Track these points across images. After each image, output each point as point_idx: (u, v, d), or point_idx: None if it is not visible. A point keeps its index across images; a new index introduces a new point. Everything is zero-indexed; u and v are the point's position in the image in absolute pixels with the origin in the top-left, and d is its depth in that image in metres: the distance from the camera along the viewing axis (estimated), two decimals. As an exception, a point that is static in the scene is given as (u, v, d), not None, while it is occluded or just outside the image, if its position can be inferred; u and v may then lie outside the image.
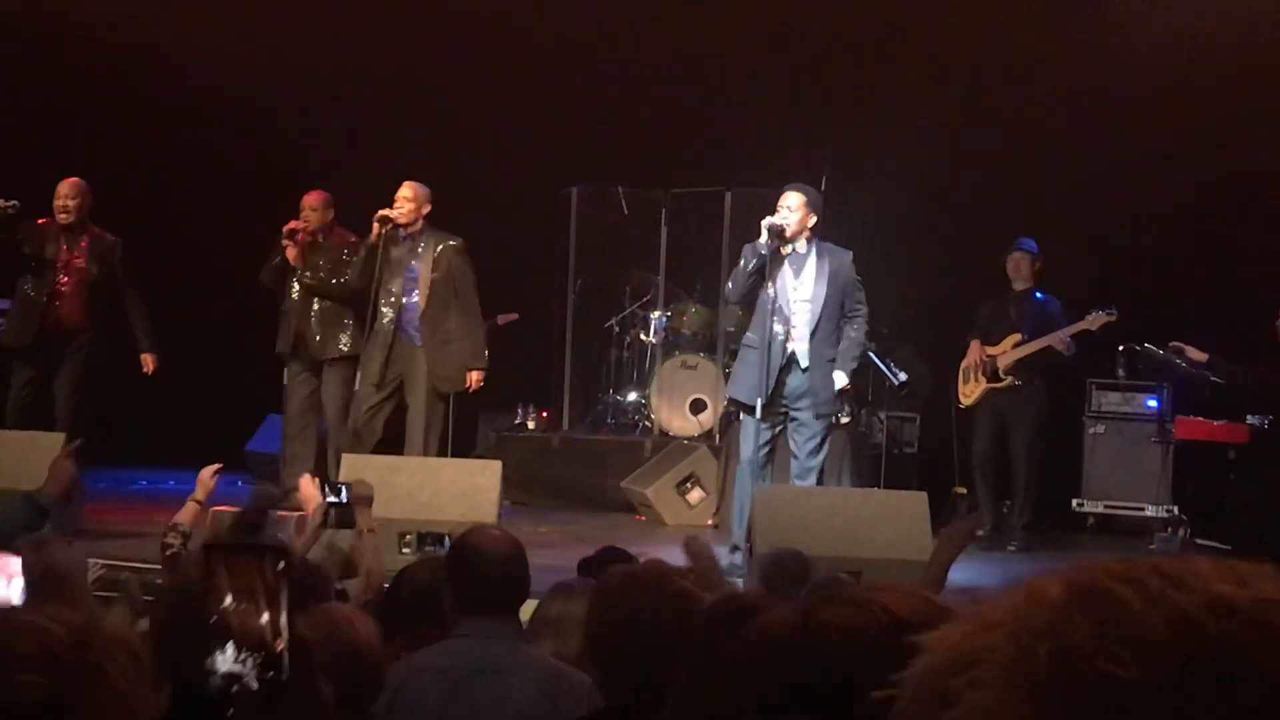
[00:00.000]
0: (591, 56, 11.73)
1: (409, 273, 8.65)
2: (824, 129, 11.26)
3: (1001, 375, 9.38)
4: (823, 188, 10.20)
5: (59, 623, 1.59)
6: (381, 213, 8.54)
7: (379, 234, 8.50)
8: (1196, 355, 8.28)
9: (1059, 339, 9.12)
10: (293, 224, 8.91)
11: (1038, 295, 9.46)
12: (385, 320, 8.65)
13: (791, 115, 11.40)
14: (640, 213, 11.58)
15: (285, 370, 9.27)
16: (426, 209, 8.70)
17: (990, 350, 9.46)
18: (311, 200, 9.03)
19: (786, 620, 1.54)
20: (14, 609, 2.63)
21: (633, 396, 11.43)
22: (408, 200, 8.63)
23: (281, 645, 1.63)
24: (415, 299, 8.65)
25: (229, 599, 1.63)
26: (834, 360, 7.58)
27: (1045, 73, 10.83)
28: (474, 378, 8.70)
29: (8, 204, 8.66)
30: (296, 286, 9.01)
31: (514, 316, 11.80)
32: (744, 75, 11.55)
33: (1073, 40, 10.66)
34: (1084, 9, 10.68)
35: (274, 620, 1.63)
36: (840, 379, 7.59)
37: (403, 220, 8.60)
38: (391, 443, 8.78)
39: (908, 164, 11.17)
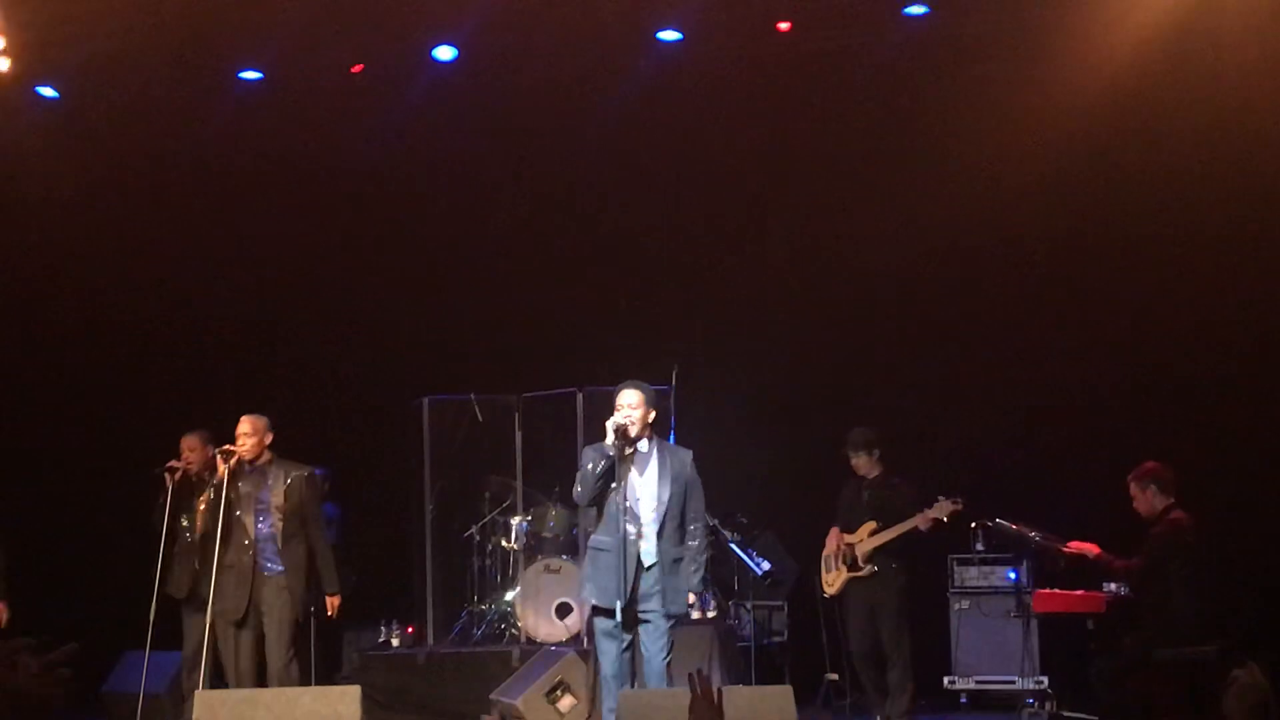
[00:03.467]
0: (435, 264, 11.83)
1: (259, 504, 8.58)
2: (672, 324, 11.43)
3: (861, 564, 9.42)
4: (673, 381, 10.37)
5: None
6: (225, 448, 8.52)
7: (224, 470, 8.46)
8: (1088, 550, 8.33)
9: (923, 519, 9.21)
10: (172, 463, 8.92)
11: (892, 481, 9.56)
12: (243, 556, 8.55)
13: (637, 313, 11.55)
14: (494, 418, 11.57)
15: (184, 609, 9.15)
16: (269, 439, 8.68)
17: (848, 538, 9.51)
18: (190, 441, 9.07)
19: None
20: None
21: (497, 605, 11.28)
22: (247, 436, 8.62)
23: None
24: (268, 529, 8.58)
25: None
26: (679, 559, 7.55)
27: (891, 254, 11.09)
28: (332, 603, 8.75)
29: None
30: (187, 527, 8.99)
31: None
32: (590, 277, 11.70)
33: (917, 221, 10.97)
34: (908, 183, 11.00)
35: None
36: (687, 598, 7.56)
37: (248, 455, 8.60)
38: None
39: (758, 351, 11.38)
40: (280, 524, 8.60)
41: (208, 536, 8.62)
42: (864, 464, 9.57)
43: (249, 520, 8.60)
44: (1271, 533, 10.09)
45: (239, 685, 8.33)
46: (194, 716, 7.15)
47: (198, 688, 8.71)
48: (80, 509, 11.08)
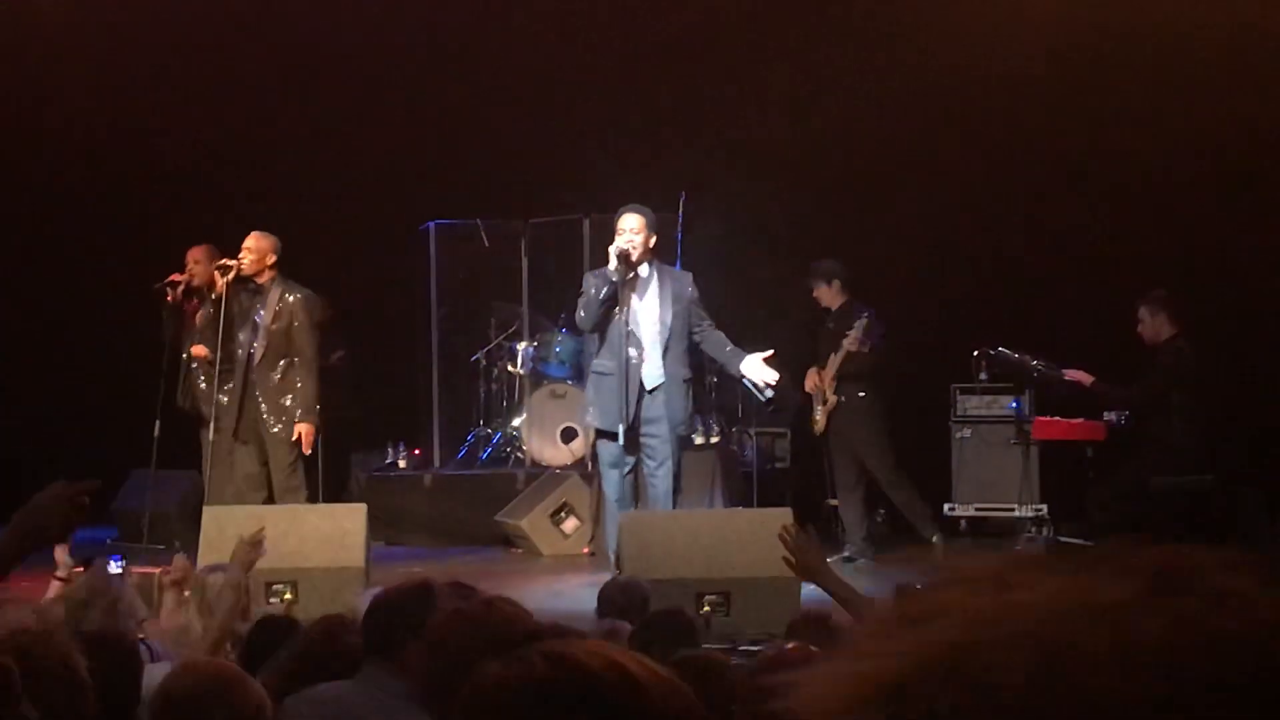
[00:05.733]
0: (442, 89, 11.72)
1: (254, 322, 8.56)
2: (678, 149, 11.35)
3: (828, 395, 9.44)
4: (680, 207, 10.33)
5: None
6: (222, 262, 8.44)
7: (222, 284, 8.40)
8: (1083, 379, 8.35)
9: (852, 340, 9.13)
10: (173, 276, 8.81)
11: (857, 310, 9.40)
12: (238, 371, 8.55)
13: (643, 138, 11.46)
14: (500, 244, 11.56)
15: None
16: (272, 259, 8.59)
17: (821, 373, 9.51)
18: (195, 254, 8.94)
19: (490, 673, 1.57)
20: None
21: (503, 429, 11.39)
22: (250, 250, 8.53)
23: None
24: (254, 348, 8.58)
25: None
26: (687, 380, 7.60)
27: (894, 88, 10.99)
28: (302, 431, 8.53)
29: None
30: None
31: (340, 354, 11.74)
32: (595, 100, 11.60)
33: (922, 59, 10.85)
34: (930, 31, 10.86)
35: None
36: (755, 363, 7.64)
37: (247, 270, 8.51)
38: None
39: (765, 177, 11.31)
40: (266, 343, 8.55)
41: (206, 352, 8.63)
42: (825, 294, 9.51)
43: (242, 336, 8.56)
44: (1266, 365, 10.14)
45: (239, 502, 8.31)
46: (201, 530, 7.29)
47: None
48: (85, 328, 11.09)
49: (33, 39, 11.10)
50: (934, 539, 9.29)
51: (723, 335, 7.71)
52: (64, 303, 11.41)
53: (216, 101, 11.62)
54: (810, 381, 9.55)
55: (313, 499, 10.06)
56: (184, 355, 8.97)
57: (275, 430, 8.52)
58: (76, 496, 3.08)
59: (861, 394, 9.38)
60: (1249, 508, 8.54)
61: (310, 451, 8.63)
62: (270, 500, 8.51)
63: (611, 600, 4.92)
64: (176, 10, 11.31)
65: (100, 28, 11.09)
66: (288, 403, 8.54)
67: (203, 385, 8.92)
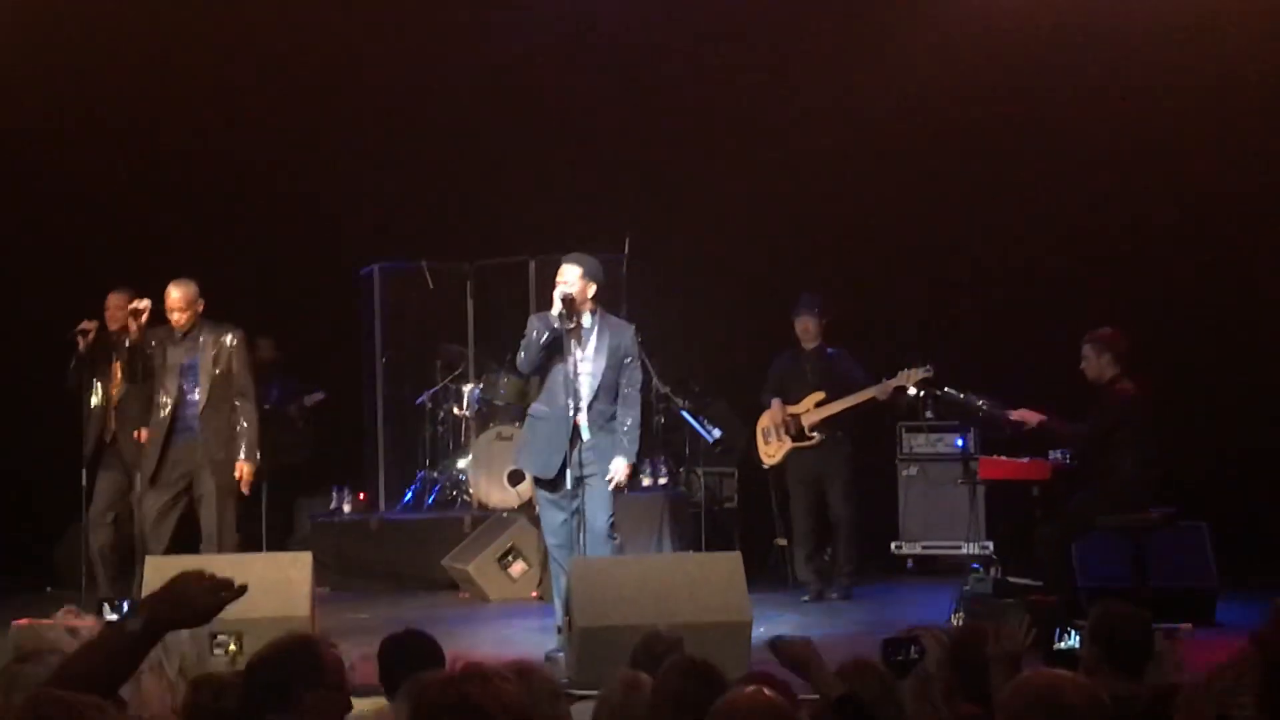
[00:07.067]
0: (385, 130, 11.68)
1: (190, 370, 8.47)
2: (626, 192, 11.36)
3: (808, 433, 9.48)
4: (625, 250, 10.34)
5: None
6: (132, 305, 8.32)
7: (135, 329, 8.29)
8: (1029, 418, 8.35)
9: (883, 390, 9.24)
10: (84, 324, 8.68)
11: (829, 351, 9.59)
12: (161, 417, 8.43)
13: (590, 180, 11.47)
14: (445, 286, 11.52)
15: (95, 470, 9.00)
16: (200, 306, 8.50)
17: (793, 409, 9.54)
18: (118, 299, 8.82)
19: None
20: None
21: (449, 472, 11.33)
22: (180, 311, 8.42)
23: None
24: (196, 396, 8.46)
25: None
26: (613, 419, 7.54)
27: (841, 124, 11.05)
28: (244, 470, 8.43)
29: None
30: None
31: (320, 396, 11.67)
32: (542, 143, 11.59)
33: (867, 89, 10.91)
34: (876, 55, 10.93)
35: None
36: (620, 465, 7.50)
37: (182, 328, 8.44)
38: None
39: (711, 218, 11.34)
40: (209, 389, 8.44)
41: (126, 397, 8.53)
42: (810, 328, 9.55)
43: (173, 385, 8.41)
44: (1220, 394, 10.24)
45: (147, 550, 8.14)
46: (144, 581, 7.19)
47: (102, 548, 8.73)
48: (11, 373, 10.85)
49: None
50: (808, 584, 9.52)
51: (633, 422, 7.58)
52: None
53: (154, 142, 11.50)
54: (776, 415, 9.56)
55: (256, 545, 9.98)
56: (97, 399, 8.82)
57: (218, 477, 8.41)
58: (219, 587, 3.17)
59: (839, 434, 9.45)
60: (1194, 544, 8.59)
61: (249, 492, 8.53)
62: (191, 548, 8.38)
63: (648, 652, 4.77)
64: (115, 49, 11.17)
65: (37, 55, 10.94)
66: (232, 447, 8.46)
67: (108, 426, 8.81)
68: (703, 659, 3.96)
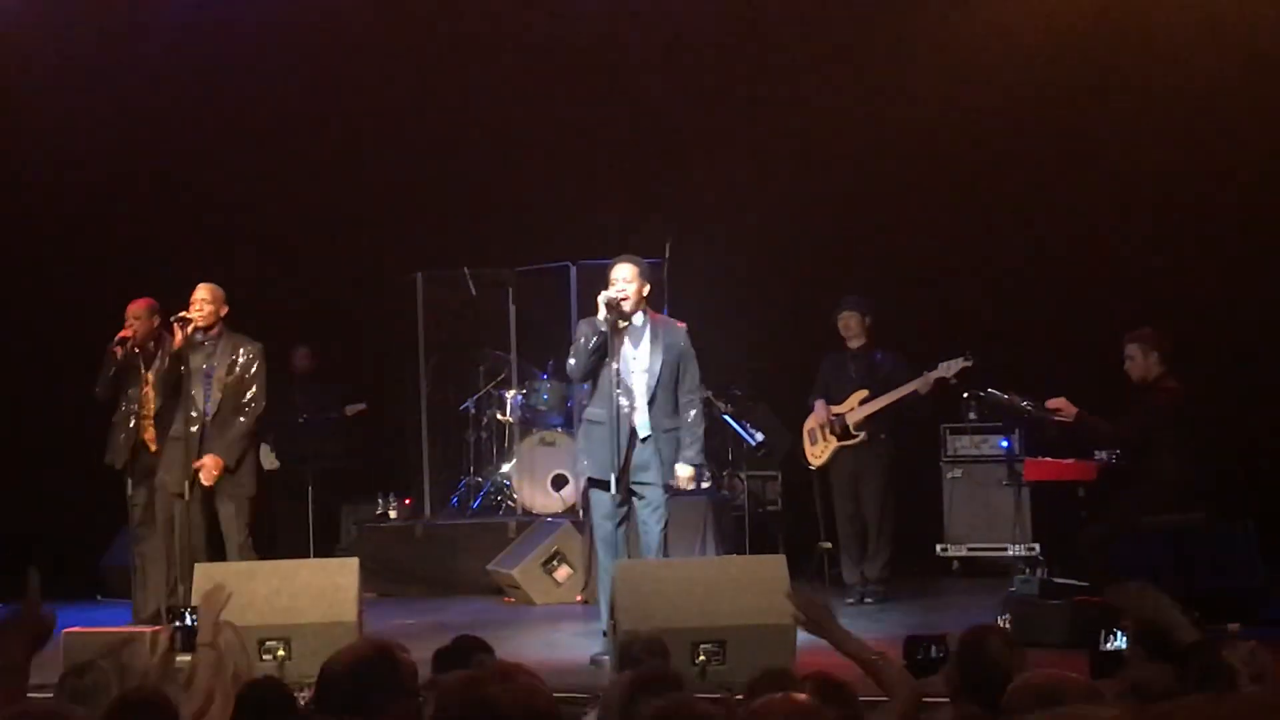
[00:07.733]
0: (427, 138, 11.74)
1: (206, 377, 8.52)
2: (665, 197, 11.39)
3: (853, 431, 9.47)
4: (666, 255, 10.35)
5: None
6: (180, 315, 8.38)
7: (181, 338, 8.35)
8: (1064, 407, 8.27)
9: (925, 382, 9.22)
10: (122, 333, 8.72)
11: (876, 354, 9.58)
12: (191, 428, 8.45)
13: (630, 185, 11.50)
14: (488, 292, 11.56)
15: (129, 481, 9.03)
16: (224, 310, 8.57)
17: (836, 409, 9.54)
18: (136, 309, 8.82)
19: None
20: None
21: (493, 477, 11.37)
22: (205, 302, 8.49)
23: None
24: (210, 404, 8.50)
25: None
26: (672, 430, 7.57)
27: (881, 128, 11.05)
28: (208, 461, 8.38)
29: None
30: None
31: (361, 407, 11.69)
32: (583, 149, 11.63)
33: (910, 91, 10.91)
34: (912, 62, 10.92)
35: None
36: (684, 469, 7.55)
37: (201, 323, 8.48)
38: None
39: (750, 223, 11.36)
40: (219, 398, 8.49)
41: (164, 406, 8.54)
42: (855, 327, 9.53)
43: (198, 393, 8.48)
44: (1263, 397, 10.17)
45: (183, 560, 8.16)
46: (192, 588, 7.24)
47: (149, 556, 8.75)
48: (60, 386, 10.95)
49: None
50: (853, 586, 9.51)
51: (695, 423, 7.60)
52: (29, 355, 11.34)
53: (201, 152, 11.61)
54: (820, 416, 9.55)
55: (303, 552, 10.03)
56: (126, 409, 8.84)
57: (234, 488, 8.47)
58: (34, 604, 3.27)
59: (883, 436, 9.43)
60: (1242, 543, 8.53)
61: (209, 483, 8.44)
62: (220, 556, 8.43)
63: (636, 658, 4.82)
64: (161, 56, 11.28)
65: (74, 62, 11.05)
66: (245, 456, 8.52)
67: (138, 438, 8.82)
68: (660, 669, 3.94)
